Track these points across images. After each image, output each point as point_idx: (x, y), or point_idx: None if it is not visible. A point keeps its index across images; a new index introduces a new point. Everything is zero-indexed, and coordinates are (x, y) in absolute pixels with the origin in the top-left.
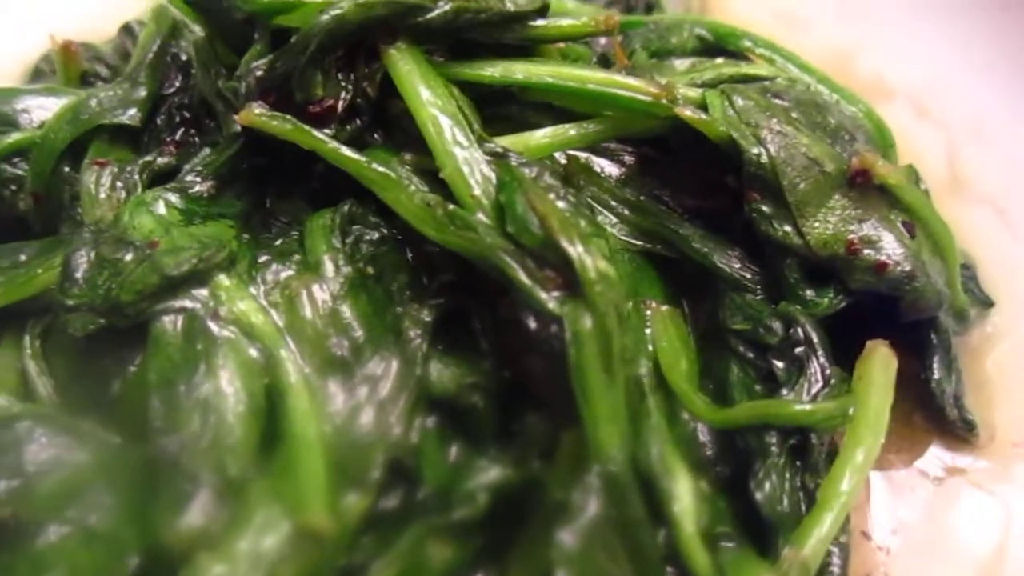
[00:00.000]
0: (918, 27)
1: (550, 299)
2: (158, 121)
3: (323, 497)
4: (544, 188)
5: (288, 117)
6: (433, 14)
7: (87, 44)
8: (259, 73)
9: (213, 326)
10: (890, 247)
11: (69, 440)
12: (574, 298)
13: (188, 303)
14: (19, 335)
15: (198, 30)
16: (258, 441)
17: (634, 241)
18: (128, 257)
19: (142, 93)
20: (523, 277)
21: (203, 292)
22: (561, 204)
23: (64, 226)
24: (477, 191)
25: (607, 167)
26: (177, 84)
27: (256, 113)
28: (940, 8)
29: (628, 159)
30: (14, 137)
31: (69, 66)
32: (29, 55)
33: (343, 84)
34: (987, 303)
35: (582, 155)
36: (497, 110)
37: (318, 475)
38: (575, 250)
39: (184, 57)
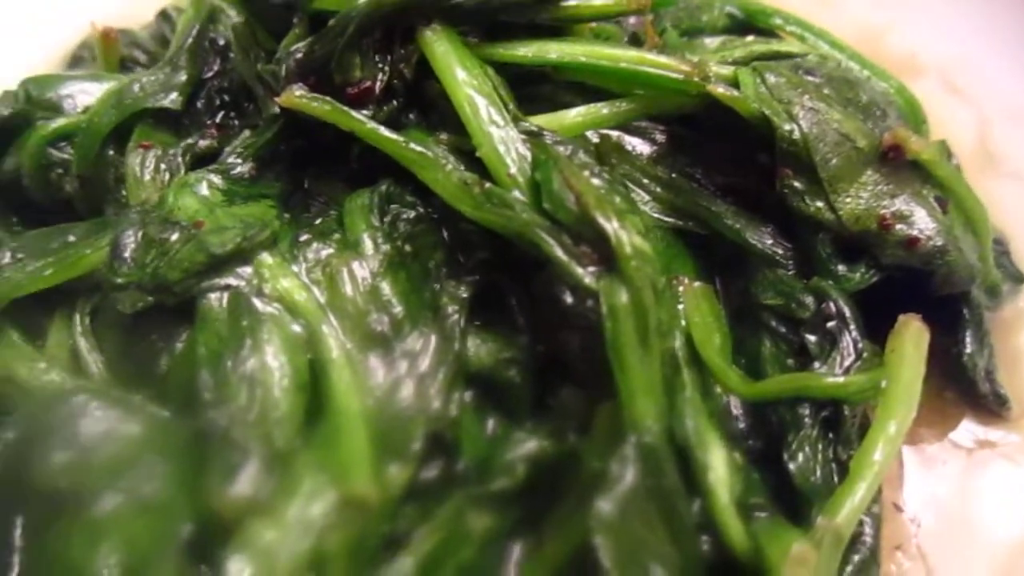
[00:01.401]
0: (949, 4)
1: (586, 274)
2: (198, 104)
3: (367, 467)
4: (579, 166)
5: (327, 99)
6: None
7: (125, 30)
8: (299, 56)
9: (258, 303)
10: (922, 222)
11: (121, 413)
12: (610, 273)
13: (233, 281)
14: (70, 313)
15: (235, 15)
16: (303, 414)
17: (666, 218)
18: (174, 237)
19: (183, 77)
20: (560, 253)
21: (247, 270)
22: (596, 181)
23: (109, 207)
24: (513, 169)
25: (639, 145)
26: (216, 68)
27: (296, 95)
28: None
29: (660, 137)
30: (60, 122)
31: (109, 52)
32: (68, 42)
33: (380, 66)
34: (1020, 278)
35: (614, 134)
36: (531, 90)
37: (361, 446)
38: (611, 226)
39: (222, 41)
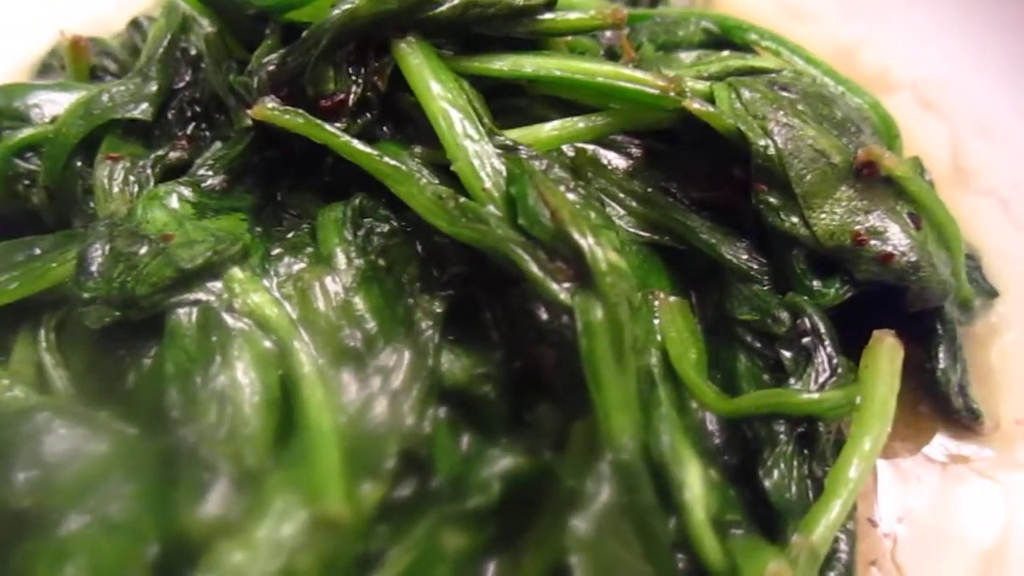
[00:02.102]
0: (922, 20)
1: (561, 290)
2: (169, 115)
3: (339, 486)
4: (554, 181)
5: (300, 112)
6: (443, 8)
7: (96, 39)
8: (271, 68)
9: (228, 318)
10: (896, 238)
11: (86, 431)
12: (585, 289)
13: (203, 295)
14: (35, 328)
15: (208, 25)
16: (274, 431)
17: (642, 233)
18: (143, 251)
19: (153, 88)
20: (535, 269)
21: (217, 285)
22: (571, 196)
23: (77, 220)
24: (488, 184)
25: (614, 159)
26: (187, 78)
27: (269, 108)
28: (943, 2)
29: (635, 151)
30: (26, 132)
31: (78, 61)
32: (37, 50)
33: (354, 78)
34: (992, 293)
35: (589, 147)
36: (506, 102)
37: (334, 464)
38: (586, 242)
39: (194, 52)
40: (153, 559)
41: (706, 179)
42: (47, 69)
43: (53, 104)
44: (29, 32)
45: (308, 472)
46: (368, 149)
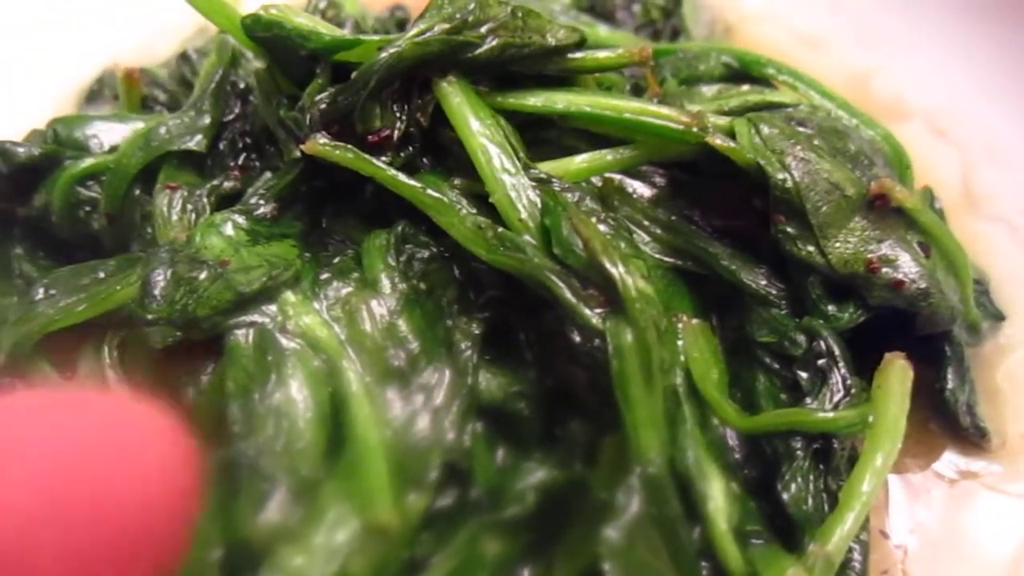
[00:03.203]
0: (934, 49)
1: (594, 315)
2: (221, 146)
3: (387, 495)
4: (586, 212)
5: (350, 147)
6: (482, 49)
7: (145, 70)
8: (323, 106)
9: (282, 339)
10: (907, 266)
11: None
12: (616, 314)
13: (258, 318)
14: (98, 346)
15: (256, 60)
16: (325, 445)
17: (666, 259)
18: (202, 275)
19: (207, 121)
20: (568, 295)
21: (272, 308)
22: (602, 227)
23: (135, 244)
24: (524, 215)
25: (640, 189)
26: (237, 111)
27: (321, 144)
28: (956, 31)
29: (660, 181)
30: (88, 162)
31: (131, 92)
32: (83, 76)
33: (398, 115)
34: (999, 317)
35: (616, 177)
36: (537, 134)
37: (382, 476)
38: (616, 271)
39: (242, 85)
40: (219, 562)
41: (727, 209)
42: (95, 96)
43: (111, 134)
44: (75, 58)
45: (358, 483)
46: (413, 182)
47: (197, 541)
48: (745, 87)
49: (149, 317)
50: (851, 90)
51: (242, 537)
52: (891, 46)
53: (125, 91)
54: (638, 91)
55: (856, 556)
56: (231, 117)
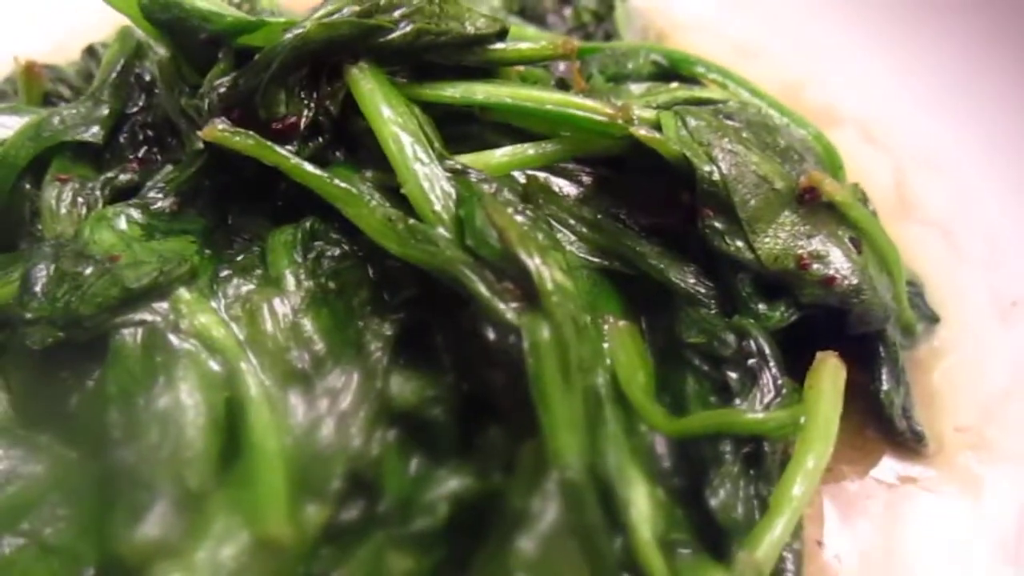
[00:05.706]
0: (868, 58)
1: (509, 310)
2: (121, 139)
3: (282, 508)
4: (503, 202)
5: (250, 133)
6: (394, 35)
7: (51, 66)
8: (222, 90)
9: (173, 339)
10: (838, 262)
11: (25, 453)
12: (532, 309)
13: (148, 316)
14: None
15: (162, 50)
16: (218, 453)
17: (592, 258)
18: (88, 271)
19: (105, 111)
20: (482, 289)
21: (163, 305)
22: (519, 218)
23: (23, 242)
24: (437, 206)
25: (565, 187)
26: (140, 103)
27: (219, 129)
28: (889, 40)
29: (585, 179)
30: None
31: (32, 86)
32: None
33: (306, 102)
34: (934, 319)
35: (541, 175)
36: (458, 129)
37: (277, 486)
38: (533, 262)
39: (147, 77)
40: None
41: (655, 206)
42: (2, 96)
43: (2, 127)
44: None
45: (251, 493)
46: (318, 171)
47: (65, 558)
48: (674, 84)
49: (28, 316)
50: (784, 98)
51: (116, 553)
52: (824, 55)
53: (25, 85)
54: (564, 87)
55: (789, 566)
56: (134, 110)
